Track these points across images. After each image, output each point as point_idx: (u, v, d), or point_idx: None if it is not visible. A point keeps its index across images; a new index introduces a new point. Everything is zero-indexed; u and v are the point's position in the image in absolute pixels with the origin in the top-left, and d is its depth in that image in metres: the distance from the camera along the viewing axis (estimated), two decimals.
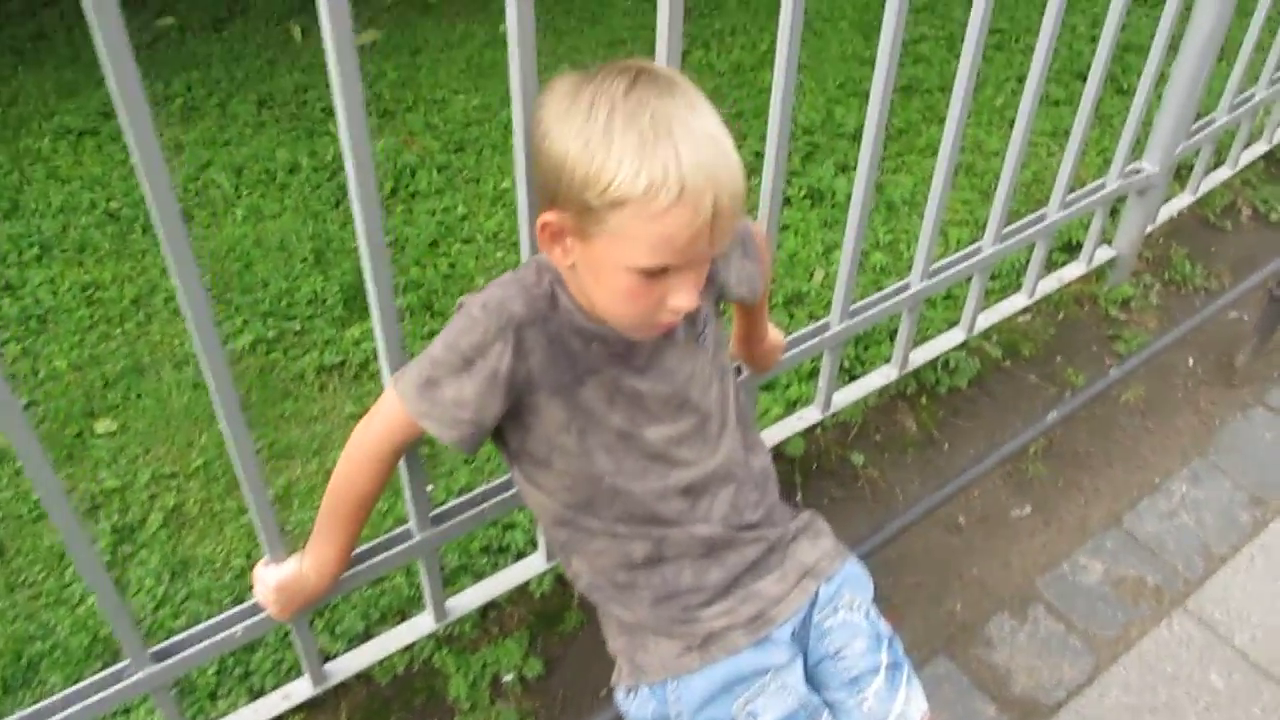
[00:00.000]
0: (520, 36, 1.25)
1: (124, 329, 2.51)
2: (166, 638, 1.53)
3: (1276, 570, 2.20)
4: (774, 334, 1.84)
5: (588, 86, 1.18)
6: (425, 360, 1.31)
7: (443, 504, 1.67)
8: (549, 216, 1.23)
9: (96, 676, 1.48)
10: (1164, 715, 1.95)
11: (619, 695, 1.46)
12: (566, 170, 1.19)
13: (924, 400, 2.41)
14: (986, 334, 2.51)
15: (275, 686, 1.81)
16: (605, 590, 1.45)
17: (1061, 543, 2.25)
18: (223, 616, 1.56)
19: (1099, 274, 2.72)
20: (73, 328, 2.49)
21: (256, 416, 2.29)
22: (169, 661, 1.50)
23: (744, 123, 3.15)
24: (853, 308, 2.05)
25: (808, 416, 2.17)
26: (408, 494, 1.57)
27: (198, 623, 1.54)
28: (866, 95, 2.96)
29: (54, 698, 1.48)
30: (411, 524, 1.63)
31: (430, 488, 2.14)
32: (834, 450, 2.30)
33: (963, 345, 2.46)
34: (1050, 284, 2.53)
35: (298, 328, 2.47)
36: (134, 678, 1.47)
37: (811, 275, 2.60)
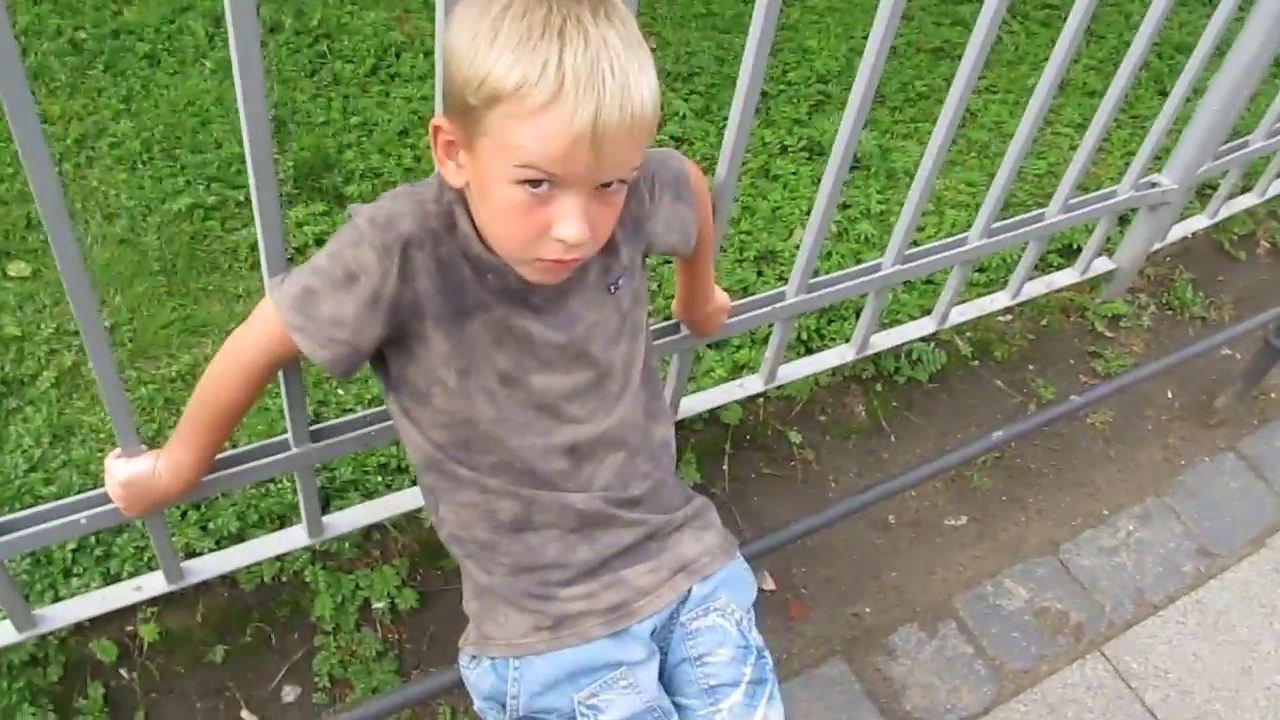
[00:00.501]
0: None
1: (60, 169, 2.37)
2: (31, 505, 1.43)
3: (1207, 631, 2.09)
4: (720, 296, 1.70)
5: None
6: (307, 269, 1.18)
7: (324, 420, 1.56)
8: (438, 120, 1.10)
9: None
10: None
11: (462, 659, 1.37)
12: (452, 65, 1.06)
13: (879, 387, 2.28)
14: (960, 328, 2.37)
15: (132, 575, 1.72)
16: (466, 546, 1.34)
17: (990, 561, 2.14)
18: (69, 500, 1.45)
19: (1093, 285, 2.56)
20: (7, 160, 2.35)
21: (177, 285, 2.16)
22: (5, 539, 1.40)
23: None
24: (815, 280, 1.91)
25: (749, 385, 2.04)
26: (285, 405, 1.45)
27: (68, 494, 1.44)
28: (894, 51, 2.76)
29: None
30: (289, 436, 1.52)
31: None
32: (772, 424, 2.18)
33: (931, 337, 2.32)
34: (1038, 288, 2.38)
35: (240, 198, 2.33)
36: None
37: (791, 234, 2.45)
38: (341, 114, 2.58)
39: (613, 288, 1.29)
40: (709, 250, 1.55)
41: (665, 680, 1.37)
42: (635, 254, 1.33)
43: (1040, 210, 2.15)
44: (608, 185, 1.10)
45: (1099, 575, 2.15)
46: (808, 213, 2.51)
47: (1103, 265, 2.48)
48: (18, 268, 2.14)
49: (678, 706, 1.36)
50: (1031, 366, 2.43)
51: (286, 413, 1.47)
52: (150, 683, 1.71)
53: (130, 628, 1.72)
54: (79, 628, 1.69)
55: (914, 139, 2.79)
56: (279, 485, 1.87)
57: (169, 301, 2.12)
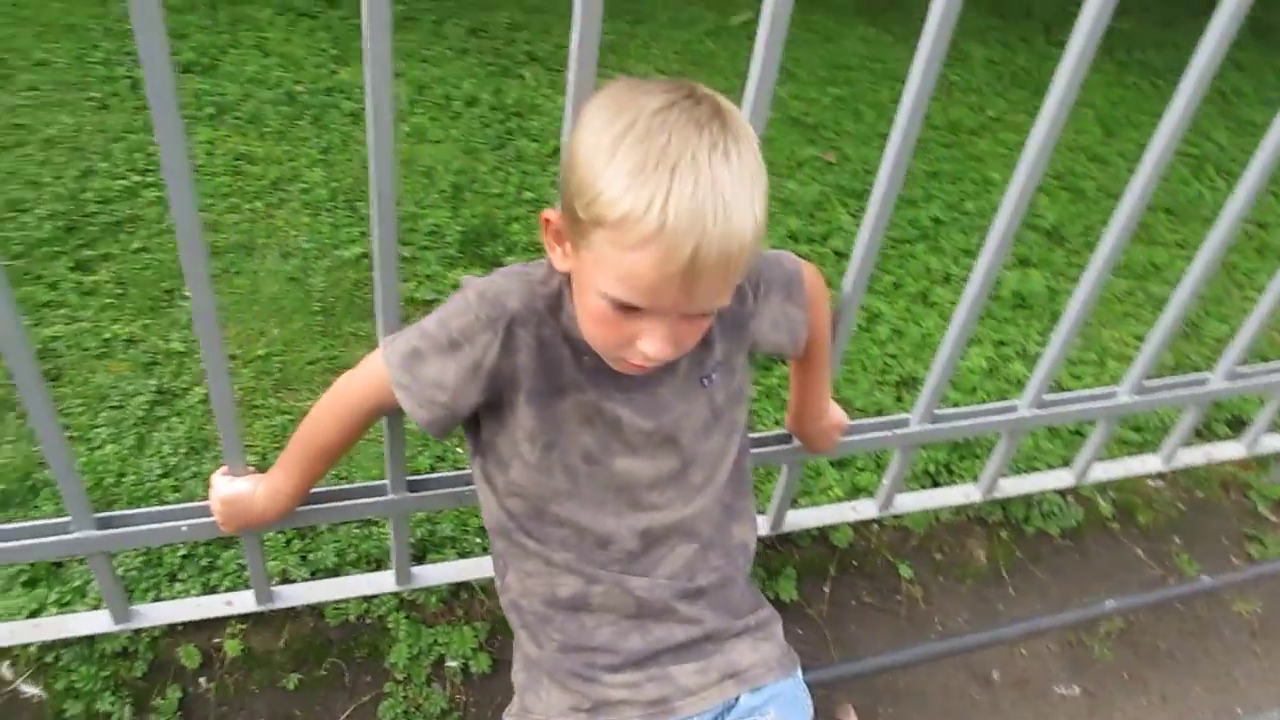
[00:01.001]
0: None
1: (253, 206, 2.56)
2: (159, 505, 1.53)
3: None
4: (835, 413, 1.66)
5: (633, 93, 1.07)
6: (417, 330, 1.24)
7: (425, 472, 1.61)
8: (551, 213, 1.13)
9: (39, 522, 1.49)
10: None
11: None
12: (571, 170, 1.08)
13: (1004, 534, 2.16)
14: (1103, 486, 2.24)
15: (229, 591, 1.79)
16: (524, 615, 1.34)
17: None
18: (174, 508, 1.54)
19: (1261, 463, 2.38)
20: (209, 190, 2.56)
21: (332, 326, 2.28)
22: (108, 531, 1.48)
23: (937, 184, 2.93)
24: (943, 412, 1.85)
25: (862, 509, 1.98)
26: (387, 452, 1.51)
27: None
28: (1080, 192, 2.72)
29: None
30: (387, 482, 1.57)
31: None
32: (883, 553, 2.10)
33: (1070, 490, 2.20)
34: (1195, 457, 2.22)
35: (408, 255, 2.45)
36: (71, 535, 1.47)
37: None
38: (516, 188, 2.69)
39: (705, 381, 1.29)
40: (823, 361, 1.53)
41: None
42: (734, 351, 1.32)
43: (1204, 375, 2.03)
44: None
45: None
46: (964, 346, 2.46)
47: (1271, 443, 2.30)
48: None
49: None
50: (1178, 539, 2.26)
51: (388, 460, 1.53)
52: (224, 696, 1.76)
53: (217, 640, 1.78)
54: (170, 631, 1.77)
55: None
56: (380, 529, 1.92)
57: (321, 340, 2.24)
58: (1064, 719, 2.00)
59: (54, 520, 1.49)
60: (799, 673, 1.42)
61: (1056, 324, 2.57)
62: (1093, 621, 2.12)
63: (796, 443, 1.72)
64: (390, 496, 1.57)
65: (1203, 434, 2.41)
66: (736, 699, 1.32)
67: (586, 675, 1.29)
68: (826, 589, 2.04)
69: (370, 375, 1.30)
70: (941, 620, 2.08)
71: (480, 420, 1.29)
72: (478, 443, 1.32)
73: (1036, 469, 2.14)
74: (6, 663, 1.73)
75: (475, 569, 1.82)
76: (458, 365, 1.20)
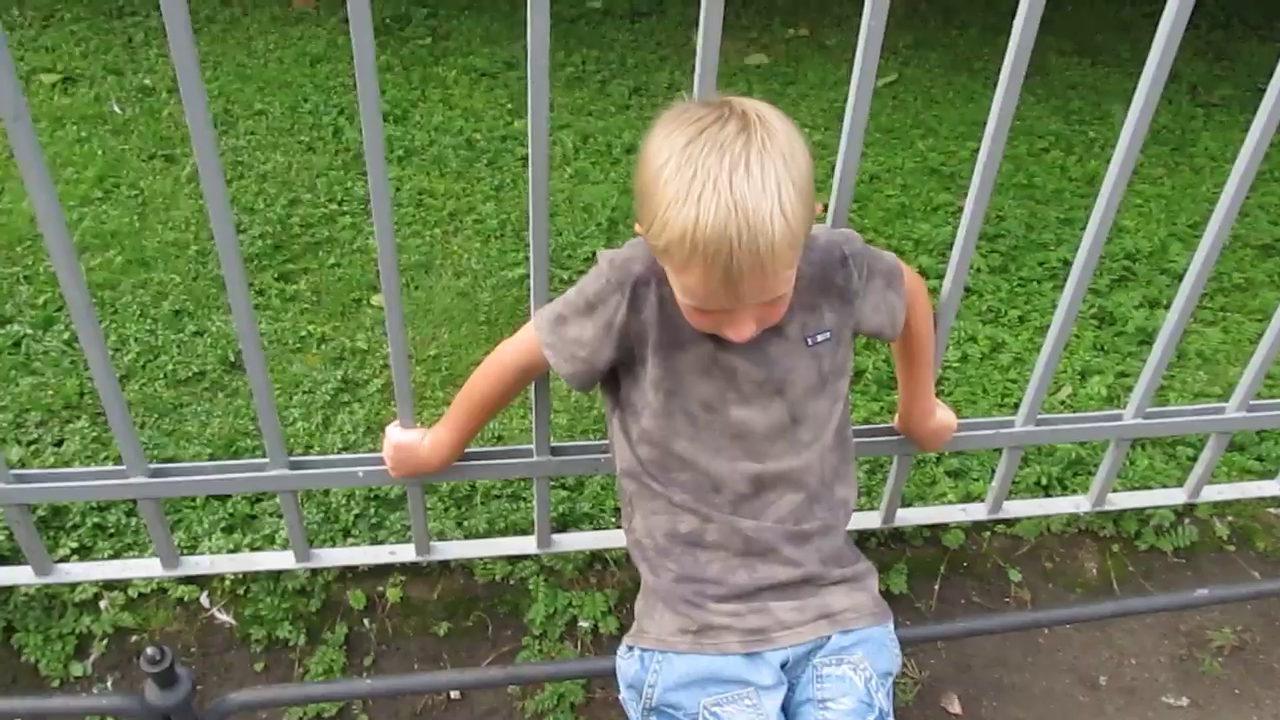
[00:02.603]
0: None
1: (432, 233, 2.89)
2: None
3: None
4: (943, 415, 1.79)
5: (671, 125, 1.27)
6: (562, 299, 1.48)
7: (567, 439, 1.82)
8: (638, 228, 1.35)
9: (244, 461, 1.78)
10: None
11: (620, 650, 1.54)
12: (636, 200, 1.33)
13: (1116, 548, 2.23)
14: (1220, 508, 2.28)
15: (394, 544, 2.05)
16: (645, 550, 1.53)
17: None
18: (354, 456, 1.81)
19: None
20: (396, 219, 2.90)
21: (495, 334, 2.55)
22: (298, 472, 1.76)
23: (1069, 230, 3.04)
24: (1047, 415, 1.96)
25: (973, 511, 2.09)
26: (533, 416, 1.74)
27: None
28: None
29: (208, 464, 1.80)
30: (533, 445, 1.79)
31: None
32: (994, 558, 2.19)
33: (1185, 510, 2.25)
34: None
35: (565, 277, 2.72)
36: (267, 473, 1.75)
37: (1059, 389, 2.49)
38: None
39: (810, 341, 1.46)
40: (925, 358, 1.68)
41: (789, 717, 1.47)
42: (841, 324, 1.49)
43: None
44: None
45: None
46: (1081, 377, 2.55)
47: None
48: (378, 299, 2.63)
49: None
50: None
51: (534, 425, 1.75)
52: (383, 636, 2.01)
53: (380, 588, 2.03)
54: (341, 576, 2.03)
55: (1217, 326, 2.74)
56: (526, 504, 2.14)
57: (485, 345, 2.51)
58: None
59: (255, 460, 1.78)
60: (890, 625, 1.56)
61: (1183, 361, 2.66)
62: (1202, 631, 2.16)
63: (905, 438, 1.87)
64: (535, 459, 1.79)
65: None
66: (828, 638, 1.48)
67: (696, 602, 1.47)
68: (936, 587, 2.16)
69: (523, 338, 1.54)
70: (1049, 625, 2.15)
71: (619, 377, 1.51)
72: (615, 399, 1.53)
73: (1151, 488, 2.21)
74: (205, 593, 2.02)
75: (608, 540, 2.01)
76: (594, 325, 1.43)
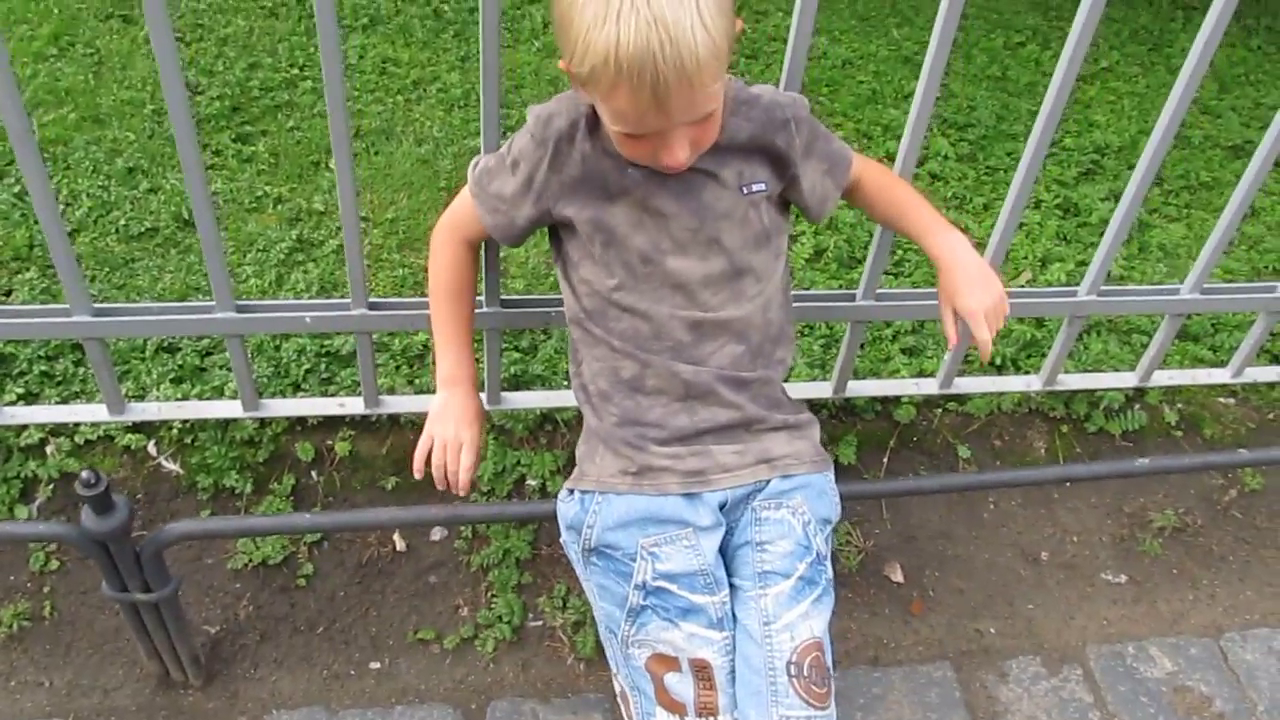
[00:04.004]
0: None
1: (394, 99, 2.82)
2: None
3: None
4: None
5: None
6: (493, 154, 1.48)
7: (517, 294, 1.81)
8: (562, 64, 1.30)
9: (188, 303, 1.76)
10: None
11: (561, 494, 1.54)
12: (555, 24, 1.28)
13: (1065, 429, 2.25)
14: (1170, 395, 2.30)
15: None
16: (590, 394, 1.52)
17: (1139, 626, 2.06)
18: (301, 301, 1.79)
19: None
20: (358, 85, 2.84)
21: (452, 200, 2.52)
22: (246, 316, 1.73)
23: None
24: (1009, 289, 1.96)
25: (924, 385, 2.10)
26: (483, 273, 1.71)
27: None
28: (1186, 140, 2.80)
29: (154, 304, 1.77)
30: (482, 297, 1.78)
31: None
32: (944, 434, 2.21)
33: (1135, 395, 2.27)
34: (1267, 374, 2.26)
35: None
36: (214, 315, 1.72)
37: (1019, 274, 2.48)
38: None
39: (745, 189, 1.44)
40: (913, 201, 1.61)
41: (726, 559, 1.49)
42: (776, 183, 1.48)
43: (1273, 283, 2.08)
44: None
45: (1260, 673, 2.01)
46: (1042, 264, 2.55)
47: None
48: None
49: (732, 586, 1.47)
50: (1245, 454, 2.30)
51: (484, 280, 1.73)
52: (331, 489, 2.01)
53: (329, 441, 2.03)
54: (290, 428, 2.02)
55: (1180, 222, 2.74)
56: (481, 365, 2.13)
57: (442, 212, 2.47)
58: (1108, 602, 2.09)
59: (201, 303, 1.75)
60: (831, 474, 1.57)
61: (1144, 253, 2.65)
62: (1145, 512, 2.20)
63: (858, 300, 1.86)
64: (484, 310, 1.78)
65: None
66: (767, 482, 1.49)
67: (636, 444, 1.47)
68: (885, 459, 2.17)
69: (462, 197, 1.52)
70: (995, 500, 2.18)
71: (560, 232, 1.49)
72: (559, 249, 1.52)
73: (1102, 369, 2.22)
74: (152, 441, 2.01)
75: (559, 399, 2.01)
76: (516, 181, 1.44)
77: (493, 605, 1.92)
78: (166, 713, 1.81)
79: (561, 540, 1.55)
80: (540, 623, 1.93)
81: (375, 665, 1.87)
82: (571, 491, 1.52)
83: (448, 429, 1.54)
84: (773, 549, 1.46)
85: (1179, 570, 2.15)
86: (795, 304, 1.87)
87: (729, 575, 1.48)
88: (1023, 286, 2.49)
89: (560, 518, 1.53)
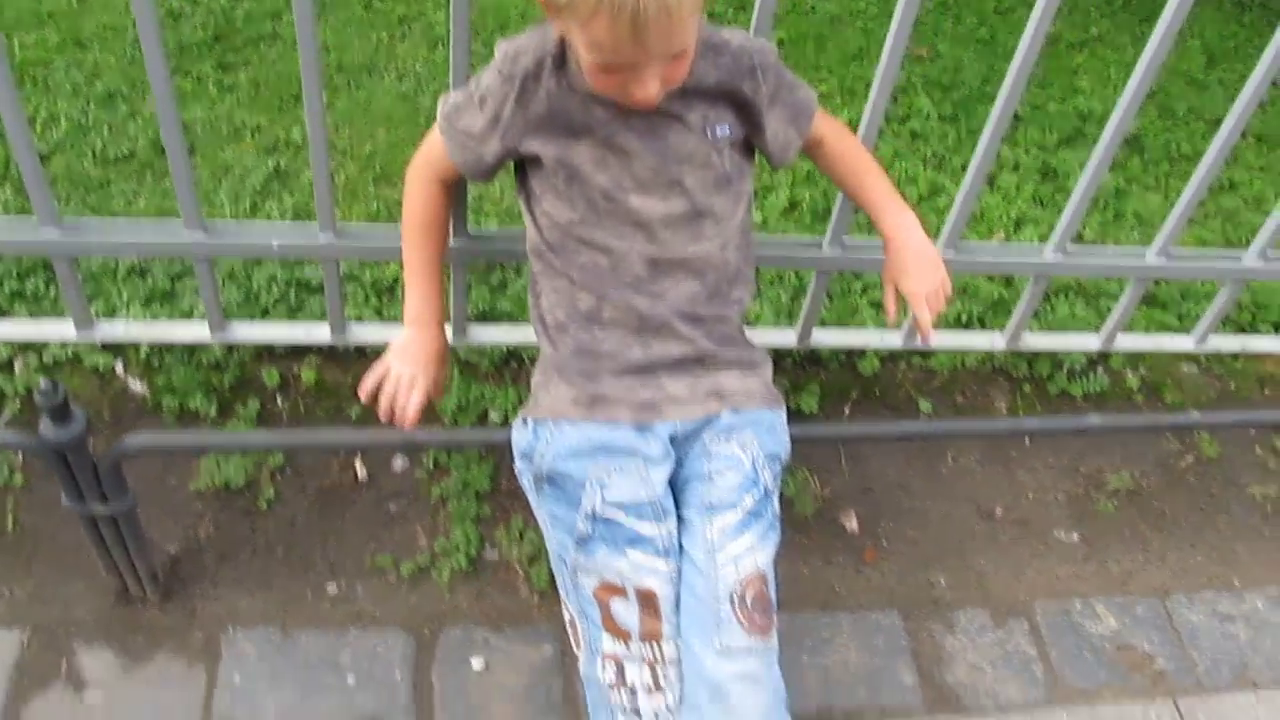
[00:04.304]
0: None
1: (379, 35, 2.82)
2: None
3: None
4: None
5: None
6: (463, 89, 1.48)
7: (485, 230, 1.82)
8: None
9: (158, 221, 1.76)
10: None
11: (516, 422, 1.56)
12: None
13: (1027, 389, 2.27)
14: (1134, 361, 2.32)
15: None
16: (547, 325, 1.54)
17: (1088, 584, 2.09)
18: (271, 224, 1.80)
19: None
20: (344, 18, 2.83)
21: None
22: (214, 240, 1.74)
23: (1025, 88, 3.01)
24: (970, 244, 1.97)
25: (888, 339, 2.12)
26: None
27: None
28: (1170, 110, 2.80)
29: (121, 220, 1.77)
30: (450, 229, 1.78)
31: None
32: (907, 388, 2.23)
33: (1098, 359, 2.29)
34: (1230, 344, 2.28)
35: None
36: (181, 237, 1.73)
37: (993, 235, 2.50)
38: None
39: (710, 133, 1.45)
40: (866, 168, 1.65)
41: (676, 492, 1.51)
42: (740, 129, 1.48)
43: (1238, 252, 2.09)
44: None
45: (1203, 635, 2.05)
46: (1015, 227, 2.56)
47: None
48: None
49: (681, 519, 1.49)
50: (1195, 415, 2.33)
51: (452, 213, 1.74)
52: (296, 416, 2.02)
53: (296, 369, 2.04)
54: (257, 355, 2.04)
55: (1157, 191, 2.75)
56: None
57: None
58: (1058, 560, 2.12)
59: (170, 221, 1.75)
60: (783, 413, 1.59)
61: (1119, 221, 2.67)
62: (1100, 474, 2.23)
63: (826, 251, 1.88)
64: (452, 243, 1.79)
65: (1246, 330, 2.46)
66: (718, 416, 1.51)
67: (590, 374, 1.48)
68: (846, 410, 2.20)
69: (432, 134, 1.53)
70: (955, 456, 2.21)
71: (526, 165, 1.50)
72: (524, 183, 1.53)
73: (1068, 330, 2.24)
74: (120, 362, 2.02)
75: (525, 335, 2.02)
76: (483, 117, 1.43)
77: (450, 536, 1.95)
78: (125, 626, 1.83)
79: (516, 469, 1.57)
80: (496, 555, 1.96)
81: (332, 589, 1.90)
82: (525, 420, 1.54)
83: (405, 366, 1.56)
84: (721, 481, 1.48)
85: (1131, 532, 2.18)
86: (762, 251, 1.89)
87: (678, 508, 1.50)
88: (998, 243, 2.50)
89: (514, 446, 1.55)
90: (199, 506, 1.96)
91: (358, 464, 2.01)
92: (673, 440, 1.49)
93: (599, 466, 1.45)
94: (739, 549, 1.44)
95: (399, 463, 2.03)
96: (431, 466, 2.02)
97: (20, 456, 1.99)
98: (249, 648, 1.82)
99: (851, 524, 2.10)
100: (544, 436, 1.49)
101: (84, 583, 1.88)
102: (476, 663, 1.83)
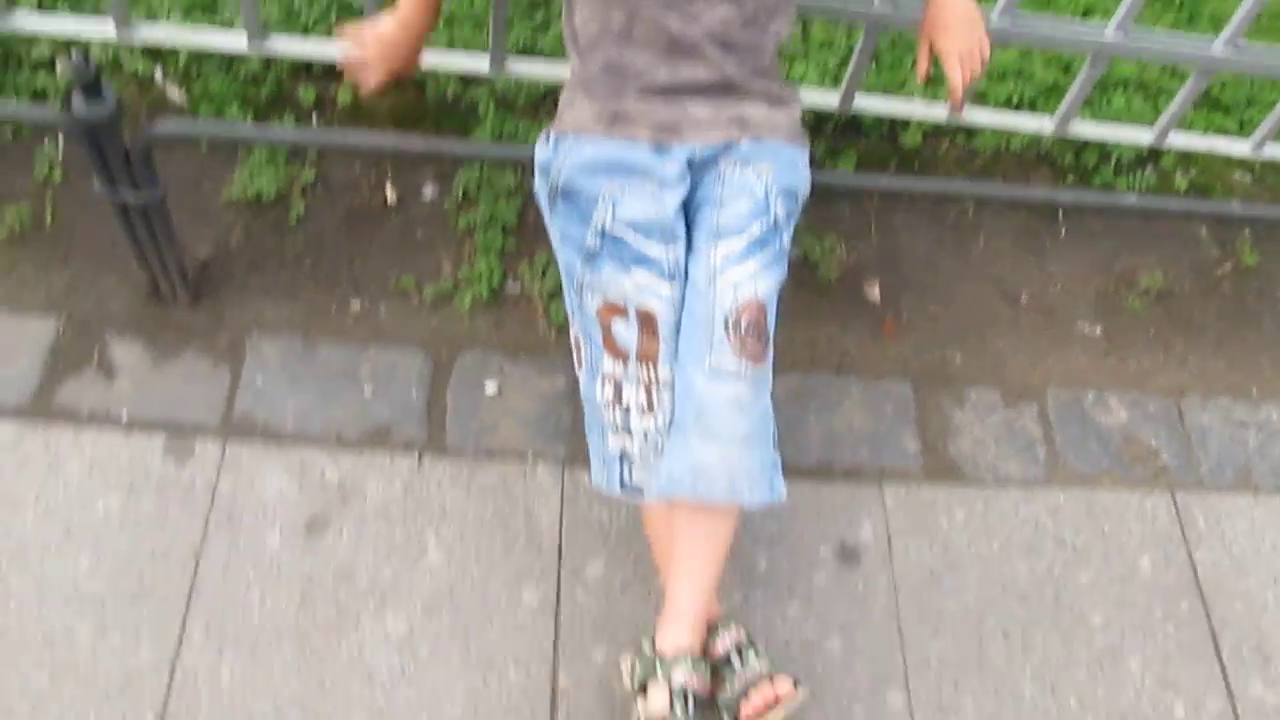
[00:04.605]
0: None
1: None
2: None
3: None
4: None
5: None
6: None
7: None
8: None
9: None
10: (1028, 559, 1.86)
11: (539, 138, 1.56)
12: None
13: (1071, 179, 2.22)
14: (1186, 163, 2.25)
15: None
16: (579, 43, 1.52)
17: (1104, 378, 2.09)
18: None
19: None
20: None
21: None
22: None
23: None
24: (1030, 17, 1.89)
25: (934, 112, 2.06)
26: None
27: None
28: None
29: None
30: None
31: None
32: (949, 166, 2.19)
33: (1149, 156, 2.23)
34: None
35: None
36: None
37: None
38: None
39: None
40: None
41: (688, 218, 1.52)
42: None
43: None
44: None
45: (1212, 436, 2.05)
46: (1085, 12, 2.44)
47: None
48: None
49: (690, 246, 1.50)
50: (1249, 230, 2.28)
51: None
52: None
53: (332, 90, 2.04)
54: (295, 74, 2.03)
55: None
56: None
57: None
58: (1078, 351, 2.12)
59: None
60: (805, 153, 1.58)
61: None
62: (1134, 272, 2.19)
63: (876, 6, 1.81)
64: None
65: None
66: (738, 142, 1.50)
67: (616, 92, 1.48)
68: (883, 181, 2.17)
69: None
70: (986, 238, 2.18)
71: None
72: None
73: (1120, 121, 2.17)
74: (159, 68, 2.03)
75: (560, 71, 1.99)
76: None
77: (474, 265, 1.98)
78: (155, 323, 1.90)
79: (535, 187, 1.58)
80: (518, 288, 1.99)
81: (355, 305, 1.94)
82: (548, 135, 1.54)
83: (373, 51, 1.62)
84: (731, 207, 1.48)
85: (1156, 332, 2.16)
86: (809, 1, 1.82)
87: (689, 235, 1.51)
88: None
89: (536, 162, 1.56)
90: (230, 216, 2.00)
91: (388, 187, 2.02)
92: (690, 165, 1.49)
93: (613, 184, 1.46)
94: (740, 275, 1.46)
95: (429, 190, 2.04)
96: (460, 197, 2.03)
97: (59, 152, 2.02)
98: (272, 353, 1.88)
99: (874, 294, 2.09)
100: (563, 150, 1.49)
101: (117, 279, 1.94)
102: (490, 386, 1.88)
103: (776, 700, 1.43)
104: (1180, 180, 2.24)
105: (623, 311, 1.45)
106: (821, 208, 2.15)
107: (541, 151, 1.53)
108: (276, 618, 1.63)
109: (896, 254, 2.14)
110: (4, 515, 1.67)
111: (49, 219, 1.98)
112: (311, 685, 1.59)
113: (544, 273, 1.98)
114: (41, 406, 1.78)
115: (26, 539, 1.65)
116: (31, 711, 1.53)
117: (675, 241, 1.46)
